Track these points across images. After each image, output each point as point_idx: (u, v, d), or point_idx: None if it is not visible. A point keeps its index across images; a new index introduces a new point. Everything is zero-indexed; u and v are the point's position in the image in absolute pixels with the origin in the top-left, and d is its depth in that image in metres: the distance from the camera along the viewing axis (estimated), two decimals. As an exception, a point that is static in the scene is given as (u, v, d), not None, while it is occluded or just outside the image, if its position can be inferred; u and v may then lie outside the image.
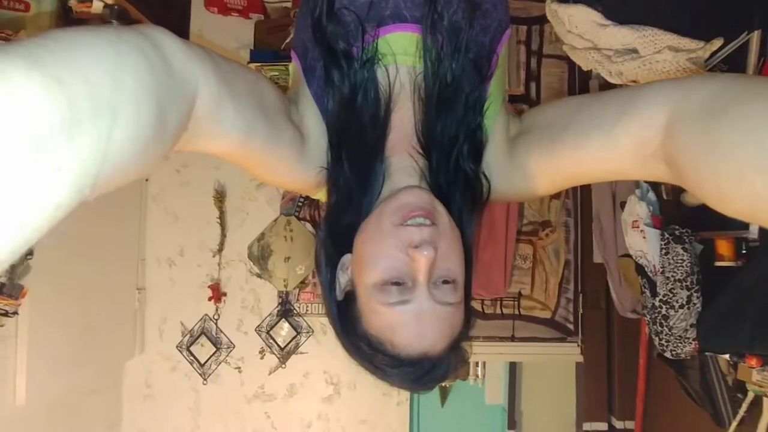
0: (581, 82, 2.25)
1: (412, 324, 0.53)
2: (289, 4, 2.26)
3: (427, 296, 0.53)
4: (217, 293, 2.29)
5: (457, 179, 0.61)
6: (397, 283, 0.53)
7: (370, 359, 0.57)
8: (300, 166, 0.61)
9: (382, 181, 0.62)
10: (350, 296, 0.59)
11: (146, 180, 2.35)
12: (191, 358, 2.30)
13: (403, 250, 0.53)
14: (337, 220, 0.62)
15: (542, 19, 2.26)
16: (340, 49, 0.60)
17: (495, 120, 0.63)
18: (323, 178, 0.63)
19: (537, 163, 0.58)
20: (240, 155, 0.55)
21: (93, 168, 0.28)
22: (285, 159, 0.59)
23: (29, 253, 1.61)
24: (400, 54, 0.61)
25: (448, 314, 0.54)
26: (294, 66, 0.70)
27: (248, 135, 0.52)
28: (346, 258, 0.61)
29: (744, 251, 1.37)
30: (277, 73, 2.03)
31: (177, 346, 2.30)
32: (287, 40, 2.09)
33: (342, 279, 0.61)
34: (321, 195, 0.67)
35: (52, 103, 0.26)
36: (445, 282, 0.54)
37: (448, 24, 0.59)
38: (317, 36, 0.62)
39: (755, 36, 1.05)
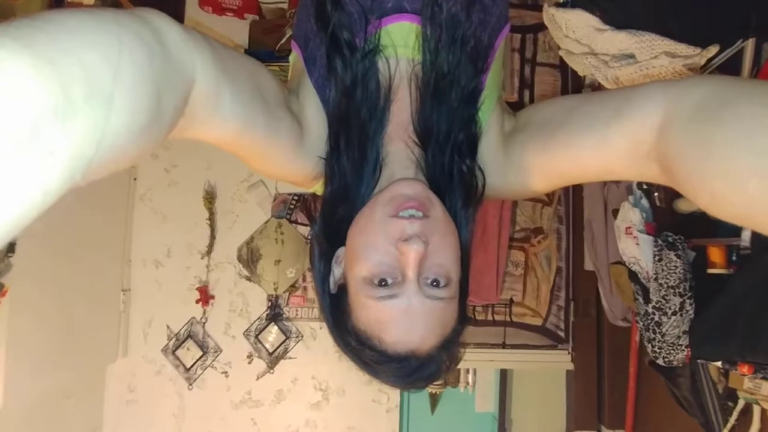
0: (574, 91, 2.28)
1: (401, 320, 0.52)
2: (284, 5, 2.25)
3: (417, 291, 0.52)
4: (205, 296, 2.25)
5: (452, 173, 0.61)
6: (386, 278, 0.52)
7: (358, 354, 0.56)
8: (298, 156, 0.60)
9: (379, 172, 0.61)
10: (343, 289, 0.58)
11: (134, 179, 2.31)
12: (176, 362, 2.24)
13: (393, 243, 0.52)
14: (332, 211, 0.61)
15: (536, 28, 2.29)
16: (343, 38, 0.60)
17: (490, 115, 0.63)
18: (321, 170, 0.62)
19: (531, 160, 0.58)
20: (237, 144, 0.54)
21: (87, 153, 0.28)
22: (283, 149, 0.58)
23: (11, 250, 1.56)
24: (400, 45, 0.61)
25: (439, 310, 0.53)
26: (295, 56, 0.69)
27: (246, 123, 0.51)
28: (341, 251, 0.60)
29: (735, 259, 1.38)
30: (271, 74, 2.01)
31: (162, 350, 2.24)
32: (282, 41, 2.08)
33: (336, 272, 0.60)
34: (318, 188, 0.66)
35: (44, 87, 0.25)
36: (436, 281, 0.53)
37: (447, 16, 0.60)
38: (320, 24, 0.61)
39: (750, 44, 1.07)
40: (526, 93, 2.32)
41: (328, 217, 0.62)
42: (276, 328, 2.26)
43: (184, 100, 0.41)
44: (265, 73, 0.57)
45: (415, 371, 0.53)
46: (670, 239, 1.45)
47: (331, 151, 0.61)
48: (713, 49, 1.06)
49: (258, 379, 2.27)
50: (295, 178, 0.64)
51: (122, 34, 0.32)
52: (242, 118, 0.50)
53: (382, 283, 0.52)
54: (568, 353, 2.24)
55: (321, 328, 2.24)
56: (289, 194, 2.26)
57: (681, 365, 1.52)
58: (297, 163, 0.61)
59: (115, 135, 0.30)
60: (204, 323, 2.26)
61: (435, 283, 0.53)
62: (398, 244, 0.52)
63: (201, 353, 2.24)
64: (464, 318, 0.58)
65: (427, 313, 0.53)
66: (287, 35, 2.07)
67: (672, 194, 1.54)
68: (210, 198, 2.28)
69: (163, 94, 0.35)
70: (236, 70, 0.50)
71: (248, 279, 2.26)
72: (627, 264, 1.61)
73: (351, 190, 0.60)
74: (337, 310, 0.59)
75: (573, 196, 2.29)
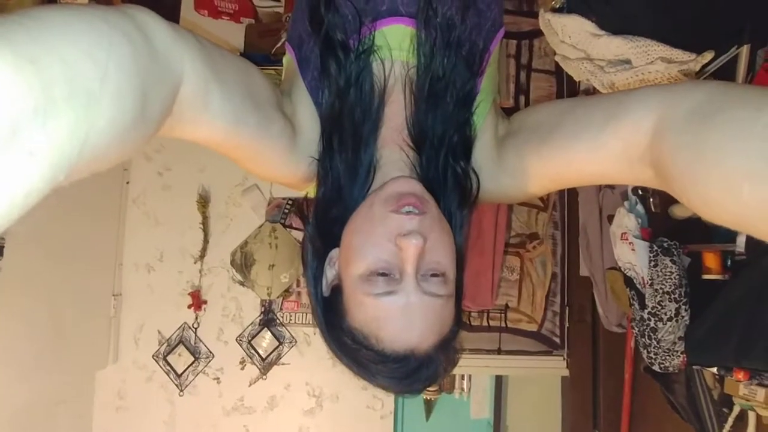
0: (569, 96, 2.28)
1: (399, 316, 0.51)
2: (280, 9, 2.25)
3: (415, 288, 0.51)
4: (198, 301, 2.22)
5: (446, 175, 0.61)
6: (384, 274, 0.52)
7: (354, 355, 0.54)
8: (290, 158, 0.60)
9: (372, 174, 0.61)
10: (336, 291, 0.57)
11: (127, 182, 2.29)
12: (168, 368, 2.21)
13: (391, 240, 0.52)
14: (325, 212, 0.61)
15: (532, 34, 2.30)
16: (337, 39, 0.60)
17: (485, 118, 0.63)
18: (313, 172, 0.62)
19: (525, 164, 0.58)
20: (228, 144, 0.53)
21: (69, 153, 0.27)
22: (275, 150, 0.58)
23: (-1, 253, 1.54)
24: (395, 48, 0.61)
25: (438, 307, 0.52)
26: (288, 58, 0.69)
27: (236, 123, 0.51)
28: (334, 252, 0.60)
29: (730, 264, 1.38)
30: (266, 77, 2.01)
31: (153, 356, 2.21)
32: (278, 45, 2.08)
33: (329, 274, 0.59)
34: (310, 189, 0.66)
35: (25, 86, 0.24)
36: (434, 275, 0.53)
37: (442, 20, 0.60)
38: (314, 26, 0.61)
39: (744, 50, 1.08)
40: (522, 99, 2.32)
41: (321, 218, 0.61)
42: (269, 333, 2.23)
43: (172, 99, 0.40)
44: (257, 73, 0.57)
45: (413, 372, 0.52)
46: (665, 245, 1.45)
47: (324, 152, 0.61)
48: (708, 55, 1.07)
49: (251, 385, 2.25)
50: (288, 179, 0.63)
51: (108, 32, 0.31)
52: (232, 117, 0.50)
53: (380, 279, 0.51)
54: (564, 359, 2.23)
55: (315, 334, 2.22)
56: (284, 198, 2.25)
57: (676, 371, 1.52)
58: (290, 165, 0.60)
59: (100, 134, 0.29)
60: (196, 328, 2.24)
61: (434, 275, 0.53)
62: (397, 239, 0.51)
63: (193, 359, 2.21)
64: (460, 320, 0.57)
65: (426, 310, 0.52)
66: (283, 39, 2.06)
67: (667, 200, 1.54)
68: (204, 202, 2.26)
69: (149, 93, 0.35)
70: (226, 70, 0.49)
71: (242, 284, 2.24)
72: (622, 270, 1.61)
73: (344, 192, 0.60)
74: (330, 312, 0.58)
75: (568, 202, 2.29)
